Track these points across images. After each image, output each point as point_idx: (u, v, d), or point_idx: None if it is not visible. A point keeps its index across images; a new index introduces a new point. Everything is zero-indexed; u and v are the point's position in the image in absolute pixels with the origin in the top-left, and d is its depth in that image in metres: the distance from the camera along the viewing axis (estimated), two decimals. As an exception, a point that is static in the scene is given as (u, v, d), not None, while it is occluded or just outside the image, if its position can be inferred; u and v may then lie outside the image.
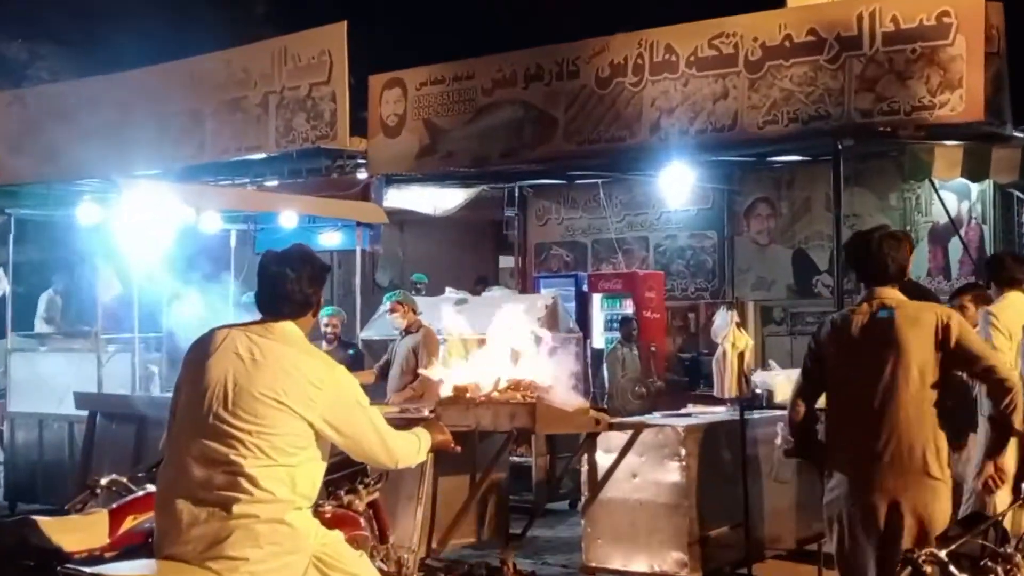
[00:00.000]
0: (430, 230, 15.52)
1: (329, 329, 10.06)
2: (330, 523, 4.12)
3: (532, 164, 11.35)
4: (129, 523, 4.52)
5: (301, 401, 3.60)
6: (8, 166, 12.98)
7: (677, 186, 11.88)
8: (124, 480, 4.97)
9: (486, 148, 10.70)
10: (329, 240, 12.23)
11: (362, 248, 11.25)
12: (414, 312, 9.24)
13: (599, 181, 13.40)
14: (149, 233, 9.91)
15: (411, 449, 3.96)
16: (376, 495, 4.77)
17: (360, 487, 4.67)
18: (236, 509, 3.51)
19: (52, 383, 10.16)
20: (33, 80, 13.91)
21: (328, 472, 3.91)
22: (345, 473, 4.75)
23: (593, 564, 6.99)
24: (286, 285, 3.71)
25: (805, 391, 4.73)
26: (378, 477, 4.74)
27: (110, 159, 11.80)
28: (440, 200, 13.63)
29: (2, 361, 11.76)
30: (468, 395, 7.19)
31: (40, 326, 13.29)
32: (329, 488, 4.61)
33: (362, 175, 11.78)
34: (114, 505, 4.69)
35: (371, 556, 4.51)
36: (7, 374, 11.24)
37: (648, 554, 6.68)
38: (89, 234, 11.08)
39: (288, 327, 3.73)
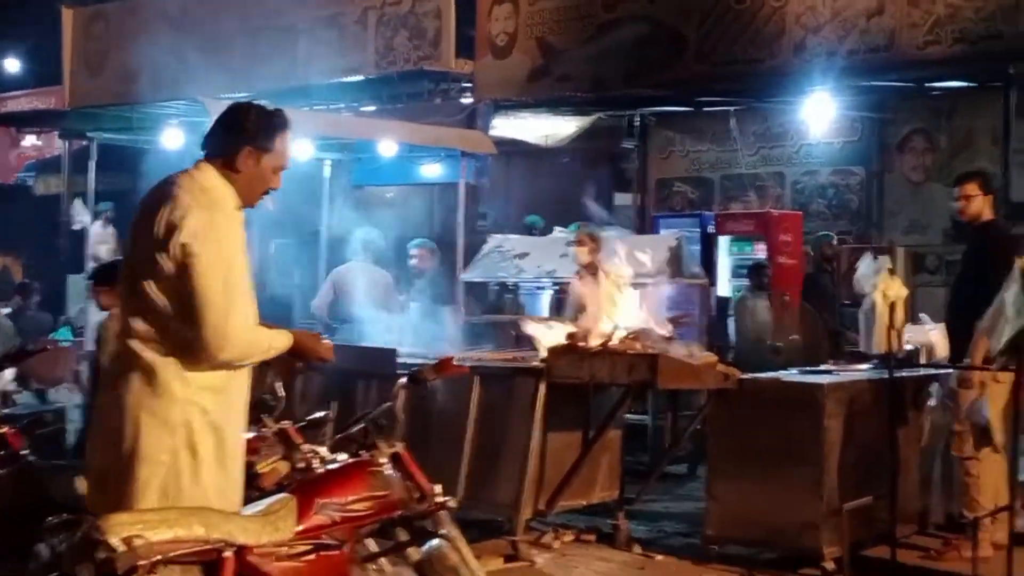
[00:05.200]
0: (539, 163, 15.48)
1: (415, 262, 10.07)
2: (346, 477, 4.02)
3: (657, 89, 11.26)
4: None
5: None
6: (89, 88, 13.35)
7: (820, 115, 11.65)
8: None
9: (605, 70, 10.71)
10: (430, 172, 12.30)
11: (466, 181, 11.27)
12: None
13: (731, 109, 13.16)
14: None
15: (258, 342, 3.79)
16: (399, 447, 4.24)
17: (379, 440, 4.22)
18: None
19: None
20: (115, -6, 14.29)
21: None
22: (354, 428, 4.39)
23: (716, 535, 6.96)
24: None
25: None
26: (391, 424, 4.29)
27: (195, 80, 12.02)
28: (551, 129, 13.59)
29: (81, 300, 12.16)
30: (582, 344, 7.22)
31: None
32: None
33: (467, 100, 11.83)
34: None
35: (410, 517, 4.16)
36: (86, 312, 11.63)
37: (779, 526, 6.64)
38: (174, 160, 11.30)
39: (204, 174, 3.77)
